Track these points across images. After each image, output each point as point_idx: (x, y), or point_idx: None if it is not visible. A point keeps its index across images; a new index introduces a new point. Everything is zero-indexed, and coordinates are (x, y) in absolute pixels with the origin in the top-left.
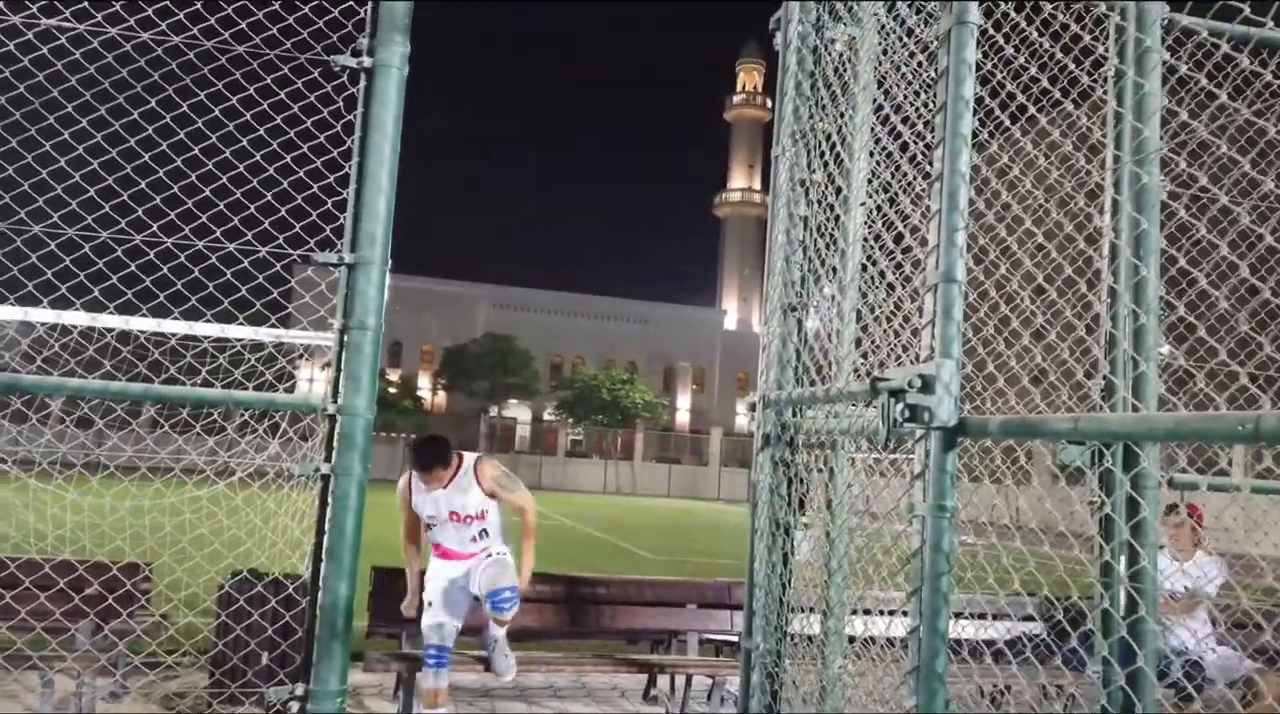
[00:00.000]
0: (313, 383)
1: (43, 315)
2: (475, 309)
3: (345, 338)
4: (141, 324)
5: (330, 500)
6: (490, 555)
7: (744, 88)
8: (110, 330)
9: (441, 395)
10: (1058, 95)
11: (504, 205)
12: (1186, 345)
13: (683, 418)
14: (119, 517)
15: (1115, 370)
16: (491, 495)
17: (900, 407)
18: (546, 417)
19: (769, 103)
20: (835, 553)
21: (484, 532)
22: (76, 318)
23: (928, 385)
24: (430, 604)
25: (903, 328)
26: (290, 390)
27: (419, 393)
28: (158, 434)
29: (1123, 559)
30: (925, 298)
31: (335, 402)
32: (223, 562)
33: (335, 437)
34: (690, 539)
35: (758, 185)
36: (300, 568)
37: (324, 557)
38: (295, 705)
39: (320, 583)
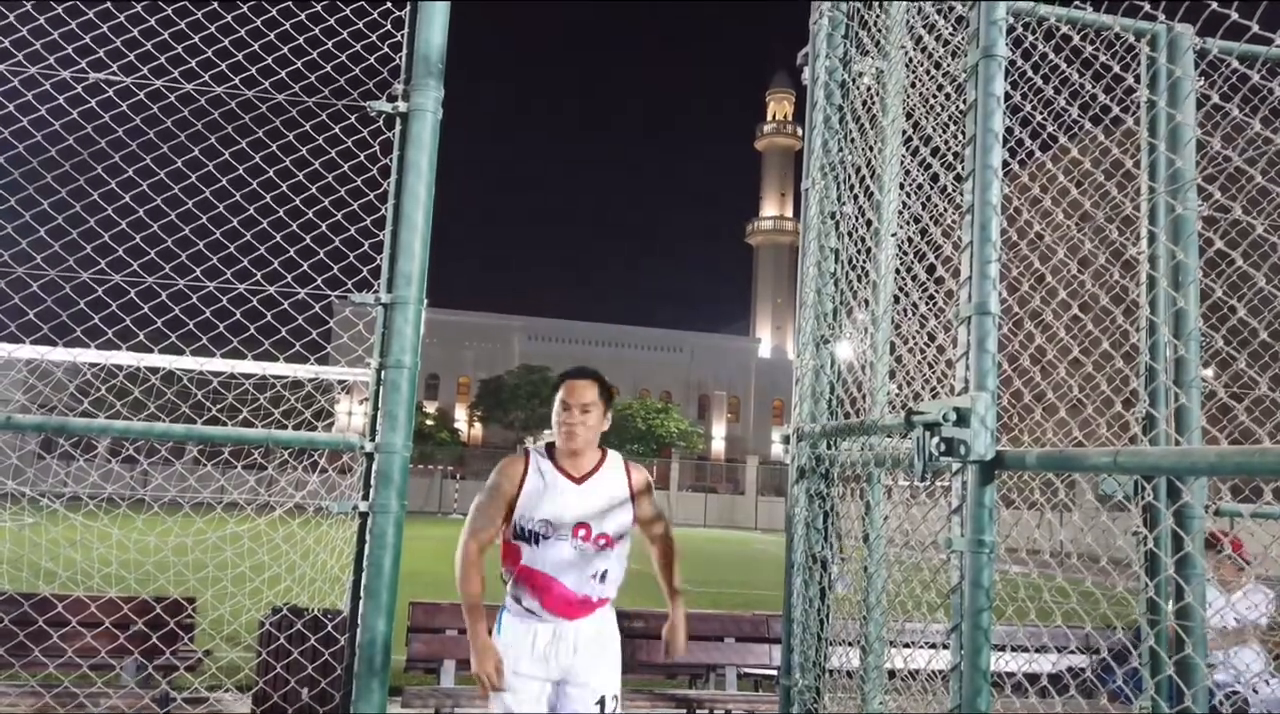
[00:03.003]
0: (351, 416)
1: (91, 356)
2: (511, 341)
3: (382, 376)
4: (185, 364)
5: (368, 537)
6: (598, 627)
7: (774, 117)
8: (155, 371)
9: (478, 426)
10: (1088, 125)
11: (538, 235)
12: (1230, 371)
13: (718, 446)
14: (162, 555)
15: (1155, 402)
16: (636, 504)
17: (936, 440)
18: None
19: (799, 131)
20: (873, 587)
21: (607, 574)
22: (122, 359)
23: (963, 418)
24: (499, 694)
25: (937, 359)
26: (329, 426)
27: (456, 424)
28: (200, 472)
29: (1169, 593)
30: (959, 330)
31: (372, 439)
32: (263, 598)
33: (373, 474)
34: (728, 570)
35: (789, 213)
36: (340, 603)
37: (362, 594)
38: None
39: (359, 620)
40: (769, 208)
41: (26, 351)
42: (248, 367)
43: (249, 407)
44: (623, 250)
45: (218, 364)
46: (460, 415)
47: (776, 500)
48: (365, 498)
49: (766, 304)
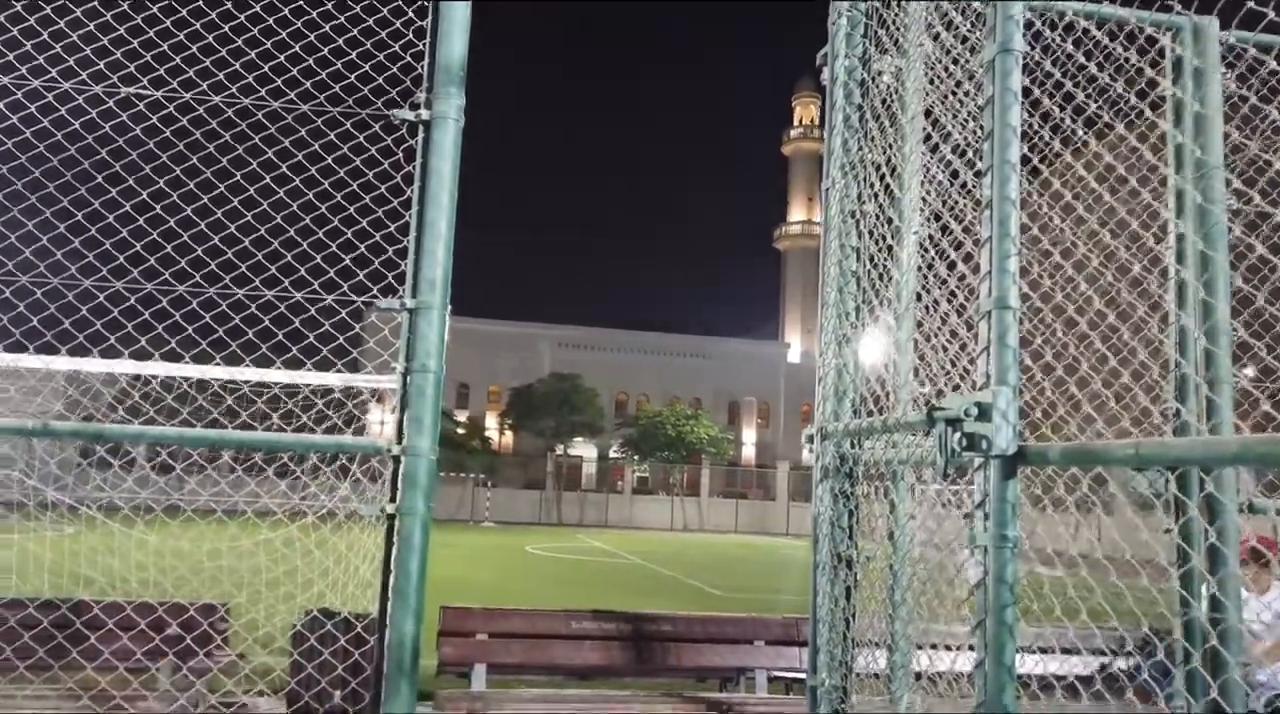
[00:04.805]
0: (383, 426)
1: (126, 366)
2: (540, 349)
3: (408, 381)
4: (217, 373)
5: (395, 540)
6: None
7: (801, 121)
8: (188, 379)
9: (509, 435)
10: (1109, 119)
11: (565, 244)
12: (1261, 365)
13: (748, 453)
14: (197, 560)
15: (1184, 397)
16: None
17: (957, 436)
18: (612, 454)
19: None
20: (899, 585)
21: None
22: (156, 369)
23: (984, 413)
24: None
25: (959, 356)
26: (360, 433)
27: (487, 433)
28: (232, 478)
29: (1204, 590)
30: (979, 325)
31: (399, 443)
32: (296, 602)
33: (400, 477)
34: (760, 576)
35: (817, 218)
36: (371, 607)
37: (391, 595)
38: None
39: (388, 621)
40: (796, 212)
41: (62, 363)
42: (276, 375)
43: (279, 412)
44: (650, 258)
45: (248, 373)
46: (491, 424)
47: (808, 506)
48: (392, 501)
49: (795, 309)
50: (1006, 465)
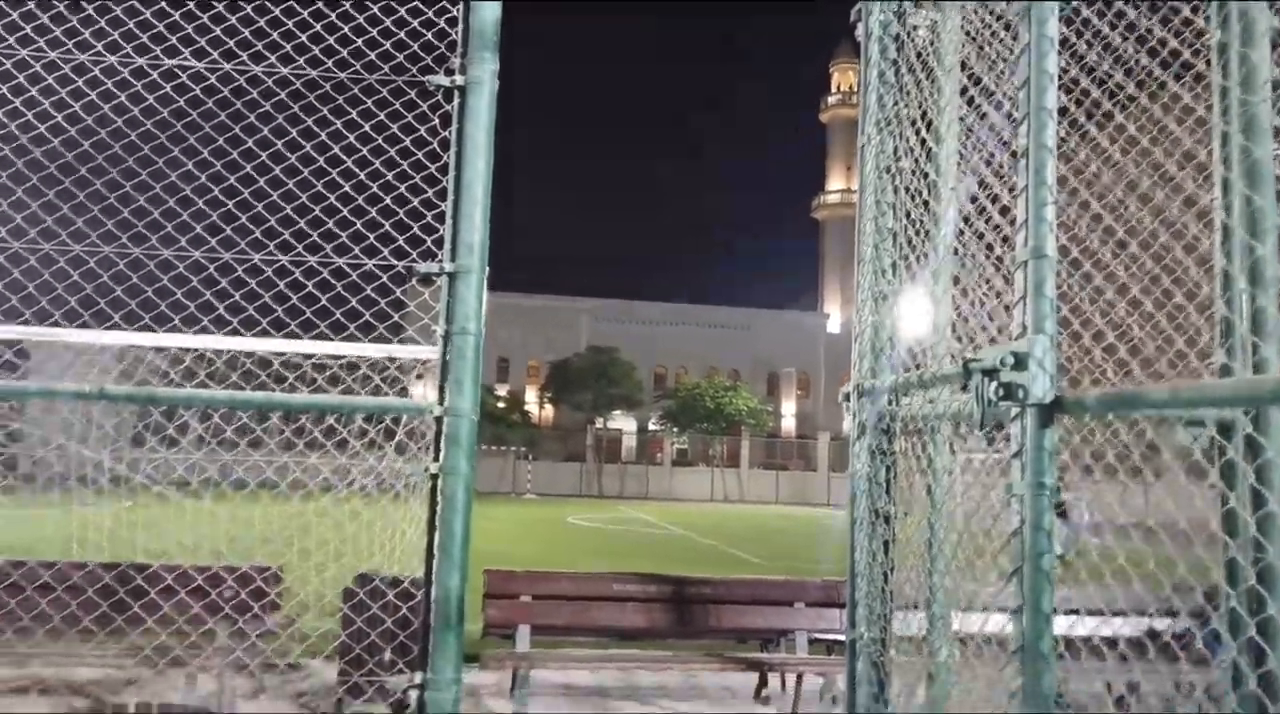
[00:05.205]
0: (428, 400)
1: (177, 340)
2: (578, 323)
3: (448, 344)
4: (264, 346)
5: (439, 499)
6: None
7: (838, 88)
8: (241, 351)
9: (549, 409)
10: (1156, 69)
11: (601, 217)
12: None
13: (788, 424)
14: (254, 527)
15: (1232, 354)
16: None
17: (994, 385)
18: (651, 427)
19: None
20: (936, 539)
21: None
22: (205, 342)
23: (1021, 362)
24: None
25: (997, 311)
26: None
27: (526, 407)
28: (281, 439)
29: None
30: (1016, 275)
31: (441, 404)
32: (344, 562)
33: (442, 438)
34: (800, 546)
35: (855, 186)
36: (418, 571)
37: (436, 552)
38: (414, 694)
39: (433, 578)
40: (835, 181)
41: (111, 337)
42: (314, 346)
43: (325, 375)
44: (688, 230)
45: (293, 345)
46: (531, 398)
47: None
48: (436, 461)
49: (834, 279)
50: (1043, 413)
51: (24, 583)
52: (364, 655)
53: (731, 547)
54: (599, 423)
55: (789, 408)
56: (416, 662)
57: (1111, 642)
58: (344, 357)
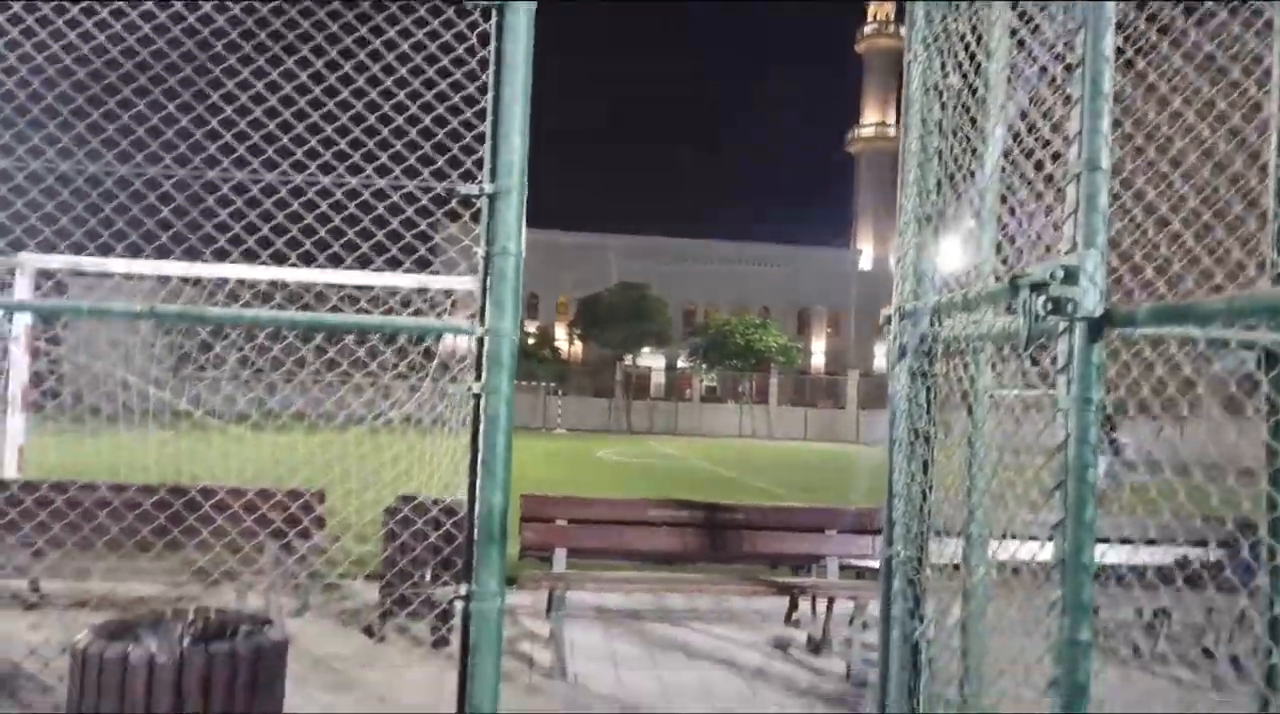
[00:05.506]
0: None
1: (227, 270)
2: (608, 259)
3: (489, 264)
4: (304, 276)
5: (482, 417)
6: None
7: (875, 17)
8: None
9: (578, 345)
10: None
11: (634, 152)
12: None
13: (818, 361)
14: (298, 454)
15: None
16: None
17: (1042, 299)
18: (680, 363)
19: (902, 30)
20: (975, 459)
21: None
22: (249, 271)
23: (1071, 276)
24: None
25: (1045, 231)
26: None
27: (556, 343)
28: (334, 373)
29: None
30: (1067, 188)
31: (483, 324)
32: (387, 483)
33: (484, 357)
34: (827, 479)
35: (892, 119)
36: (461, 495)
37: (480, 469)
38: (460, 604)
39: (477, 494)
40: (871, 114)
41: (156, 268)
42: (358, 277)
43: (367, 297)
44: (719, 165)
45: (338, 275)
46: (561, 334)
47: (878, 413)
48: (478, 380)
49: (868, 215)
50: (1092, 328)
51: (86, 501)
52: (408, 569)
53: (756, 479)
54: (628, 359)
55: (819, 346)
56: (460, 575)
57: (1139, 569)
58: (381, 287)
